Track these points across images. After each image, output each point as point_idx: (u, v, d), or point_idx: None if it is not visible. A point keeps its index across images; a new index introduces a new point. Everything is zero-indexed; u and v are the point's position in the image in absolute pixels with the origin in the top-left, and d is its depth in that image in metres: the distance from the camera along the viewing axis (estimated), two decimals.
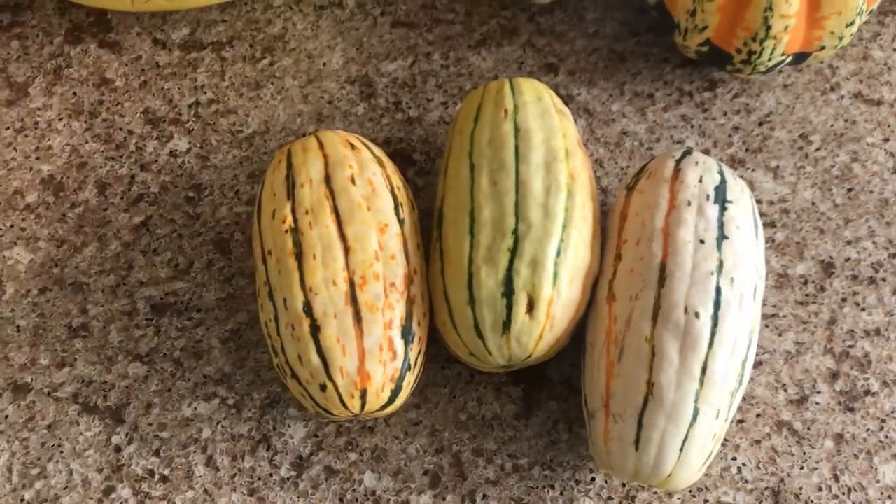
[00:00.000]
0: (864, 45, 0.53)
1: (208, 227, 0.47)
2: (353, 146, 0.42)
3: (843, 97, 0.51)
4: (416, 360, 0.39)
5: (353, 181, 0.40)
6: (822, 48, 0.46)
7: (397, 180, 0.42)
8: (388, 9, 0.53)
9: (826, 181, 0.49)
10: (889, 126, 0.51)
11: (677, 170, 0.41)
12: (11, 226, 0.47)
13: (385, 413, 0.39)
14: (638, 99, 0.51)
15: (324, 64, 0.52)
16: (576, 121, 0.50)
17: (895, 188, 0.49)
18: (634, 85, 0.51)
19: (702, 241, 0.39)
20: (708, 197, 0.40)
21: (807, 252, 0.47)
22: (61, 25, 0.52)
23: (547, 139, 0.42)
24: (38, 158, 0.49)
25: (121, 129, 0.50)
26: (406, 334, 0.38)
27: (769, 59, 0.46)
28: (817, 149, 0.50)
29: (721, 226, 0.40)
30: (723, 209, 0.40)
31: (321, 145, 0.42)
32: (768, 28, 0.44)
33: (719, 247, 0.39)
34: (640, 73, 0.52)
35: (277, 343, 0.38)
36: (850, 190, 0.49)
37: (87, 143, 0.49)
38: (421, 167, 0.49)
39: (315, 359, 0.37)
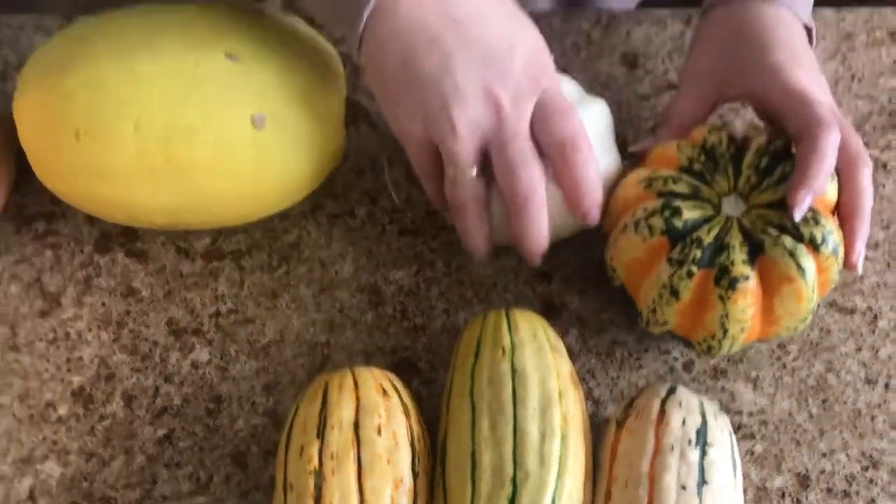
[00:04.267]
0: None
1: (227, 439, 0.51)
2: (385, 392, 0.45)
3: (818, 306, 0.55)
4: None
5: (379, 432, 0.43)
6: (780, 335, 0.50)
7: (418, 429, 0.46)
8: (396, 216, 0.57)
9: (802, 391, 0.53)
10: (861, 335, 0.54)
11: (662, 411, 0.45)
12: (44, 439, 0.51)
13: None
14: (629, 307, 0.55)
15: (336, 272, 0.56)
16: (568, 330, 0.54)
17: (867, 399, 0.52)
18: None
19: (683, 487, 0.43)
20: (690, 441, 0.44)
21: (784, 465, 0.51)
22: (91, 234, 0.56)
23: (542, 381, 0.45)
24: (69, 370, 0.53)
25: (146, 339, 0.53)
26: None
27: (729, 349, 0.49)
28: (794, 359, 0.54)
29: (702, 470, 0.43)
30: (703, 454, 0.44)
31: (356, 385, 0.45)
32: (725, 330, 0.47)
33: (700, 493, 0.43)
34: None
35: None
36: (824, 401, 0.52)
37: (114, 354, 0.53)
38: (426, 377, 0.53)
39: None
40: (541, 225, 0.49)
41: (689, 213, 0.47)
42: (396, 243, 0.57)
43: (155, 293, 0.55)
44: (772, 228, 0.46)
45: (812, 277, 0.46)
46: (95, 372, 0.53)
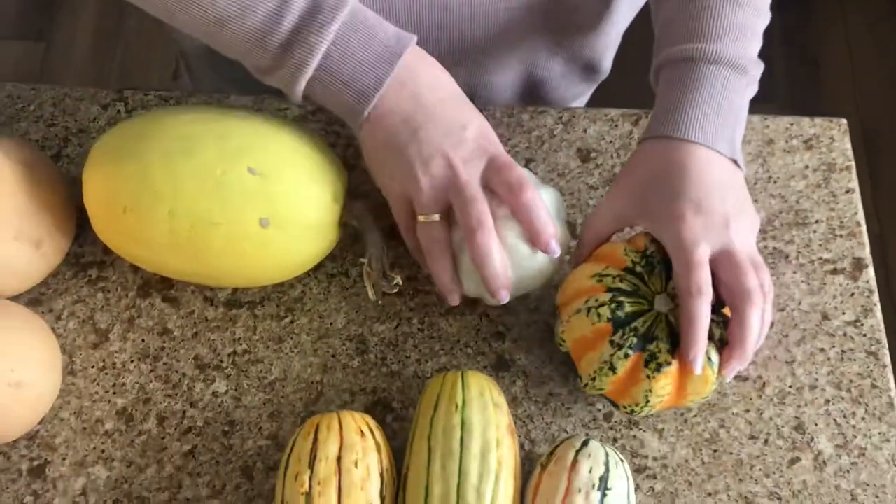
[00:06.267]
0: None
1: (238, 456, 0.64)
2: (363, 433, 0.58)
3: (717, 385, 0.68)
4: None
5: (356, 465, 0.57)
6: (685, 405, 0.63)
7: (387, 463, 0.59)
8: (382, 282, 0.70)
9: (698, 442, 0.66)
10: (750, 399, 0.67)
11: (575, 460, 0.58)
12: (94, 448, 0.64)
13: None
14: (563, 366, 0.68)
15: (331, 324, 0.69)
16: (515, 382, 0.67)
17: (749, 451, 0.66)
18: (561, 353, 0.68)
19: None
20: (594, 486, 0.57)
21: (677, 501, 0.64)
22: (134, 281, 0.69)
23: (484, 431, 0.58)
24: (114, 393, 0.66)
25: (177, 371, 0.67)
26: None
27: (647, 413, 0.62)
28: (694, 415, 0.67)
29: None
30: (603, 495, 0.57)
31: (340, 427, 0.58)
32: (647, 401, 0.60)
33: None
34: None
35: None
36: (715, 451, 0.66)
37: (151, 382, 0.66)
38: (398, 414, 0.66)
39: None
40: (493, 252, 0.60)
41: (630, 308, 0.60)
42: (381, 301, 0.70)
43: (185, 333, 0.68)
44: None
45: (717, 367, 0.59)
46: (135, 396, 0.66)
